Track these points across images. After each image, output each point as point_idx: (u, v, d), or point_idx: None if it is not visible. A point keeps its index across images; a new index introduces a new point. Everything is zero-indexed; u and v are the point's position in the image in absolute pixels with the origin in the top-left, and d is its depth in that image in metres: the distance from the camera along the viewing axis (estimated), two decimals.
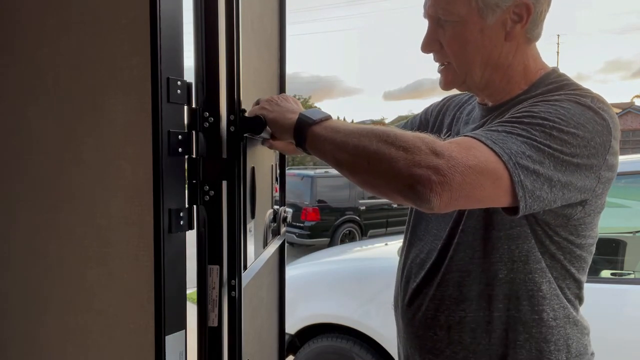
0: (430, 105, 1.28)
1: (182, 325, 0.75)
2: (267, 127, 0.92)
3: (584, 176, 0.82)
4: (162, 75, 0.71)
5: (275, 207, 1.35)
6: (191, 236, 0.80)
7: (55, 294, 0.77)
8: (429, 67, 1.04)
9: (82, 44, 0.73)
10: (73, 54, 0.74)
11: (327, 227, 8.92)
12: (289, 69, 1.46)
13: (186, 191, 0.80)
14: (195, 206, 0.82)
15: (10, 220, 0.78)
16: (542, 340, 0.93)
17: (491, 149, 0.76)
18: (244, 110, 0.89)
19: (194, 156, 0.81)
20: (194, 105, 0.81)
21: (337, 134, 0.81)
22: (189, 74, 0.78)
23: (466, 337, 0.97)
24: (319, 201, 8.93)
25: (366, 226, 9.37)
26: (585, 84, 0.92)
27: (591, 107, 0.83)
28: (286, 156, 1.54)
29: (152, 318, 0.72)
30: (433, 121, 1.23)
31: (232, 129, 0.85)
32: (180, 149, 0.75)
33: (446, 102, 1.22)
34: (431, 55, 1.01)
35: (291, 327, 2.71)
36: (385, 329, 2.43)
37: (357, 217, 9.28)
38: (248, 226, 0.97)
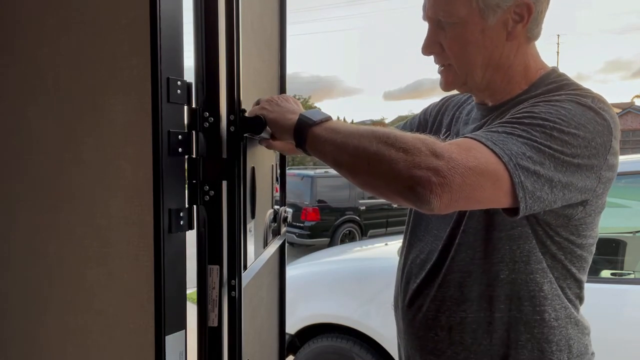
0: (429, 106, 1.28)
1: (182, 325, 0.75)
2: (267, 127, 0.92)
3: (585, 176, 0.82)
4: (162, 75, 0.71)
5: (276, 207, 1.35)
6: (191, 236, 0.80)
7: (55, 294, 0.77)
8: (429, 67, 1.04)
9: (82, 44, 0.73)
10: (73, 54, 0.74)
11: (327, 227, 8.92)
12: (289, 69, 1.46)
13: (186, 191, 0.80)
14: (195, 206, 0.82)
15: (10, 220, 0.78)
16: (544, 341, 0.93)
17: (491, 150, 0.76)
18: (244, 110, 0.89)
19: (194, 156, 0.81)
20: (194, 105, 0.81)
21: (337, 135, 0.81)
22: (189, 74, 0.79)
23: (467, 337, 0.97)
24: (319, 201, 8.93)
25: (366, 226, 9.37)
26: (585, 84, 0.92)
27: (592, 107, 0.83)
28: (286, 156, 1.54)
29: (152, 318, 0.72)
30: (432, 121, 1.22)
31: (232, 129, 0.85)
32: (180, 149, 0.75)
33: (445, 102, 1.22)
34: (431, 55, 1.01)
35: (291, 327, 2.71)
36: (385, 329, 2.43)
37: (357, 217, 9.28)
38: (248, 226, 0.97)
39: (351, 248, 4.20)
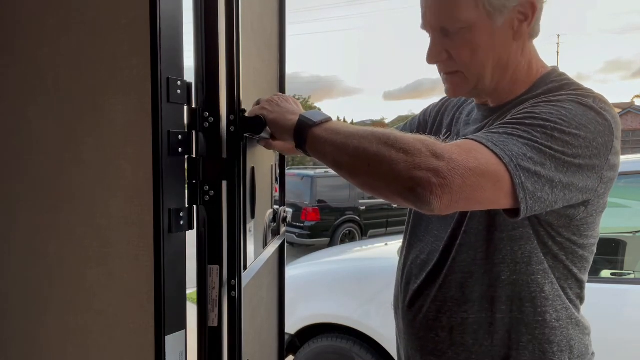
0: (429, 106, 1.28)
1: (182, 325, 0.75)
2: (267, 128, 0.92)
3: (586, 177, 0.82)
4: (162, 75, 0.71)
5: (275, 207, 1.35)
6: (191, 236, 0.80)
7: (55, 294, 0.77)
8: (429, 67, 1.03)
9: (82, 44, 0.73)
10: (73, 54, 0.74)
11: (327, 227, 8.92)
12: (289, 69, 1.46)
13: (186, 191, 0.80)
14: (195, 206, 0.82)
15: (10, 220, 0.78)
16: (545, 342, 0.93)
17: (492, 151, 0.76)
18: (244, 110, 0.89)
19: (194, 156, 0.81)
20: (194, 105, 0.81)
21: (338, 135, 0.81)
22: (189, 74, 0.78)
23: (468, 338, 0.97)
24: (319, 201, 8.93)
25: (366, 226, 9.37)
26: (585, 84, 0.92)
27: (593, 107, 0.83)
28: (286, 156, 1.54)
29: (152, 318, 0.72)
30: (432, 122, 1.22)
31: (232, 129, 0.85)
32: (180, 149, 0.75)
33: (445, 102, 1.22)
34: (437, 64, 0.99)
35: (291, 327, 2.71)
36: (385, 329, 2.43)
37: (357, 217, 9.28)
38: (248, 226, 0.97)
39: (351, 248, 4.20)
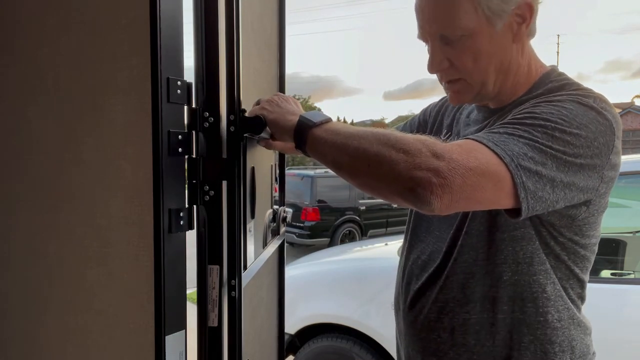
0: (429, 106, 1.28)
1: (182, 325, 0.75)
2: (267, 128, 0.92)
3: (587, 176, 0.82)
4: (162, 75, 0.71)
5: (275, 207, 1.35)
6: (191, 236, 0.80)
7: (55, 294, 0.77)
8: None
9: (82, 44, 0.73)
10: (73, 54, 0.74)
11: (327, 227, 8.92)
12: (289, 69, 1.47)
13: (186, 191, 0.80)
14: (195, 206, 0.82)
15: (10, 220, 0.78)
16: (547, 342, 0.93)
17: (493, 150, 0.76)
18: (244, 110, 0.88)
19: (194, 156, 0.81)
20: (194, 105, 0.81)
21: (337, 136, 0.81)
22: (189, 74, 0.78)
23: (470, 339, 0.96)
24: (319, 201, 8.93)
25: (366, 226, 9.37)
26: (585, 84, 0.92)
27: (594, 107, 0.83)
28: (286, 156, 1.54)
29: (152, 318, 0.72)
30: (432, 122, 1.22)
31: (232, 129, 0.85)
32: (180, 149, 0.75)
33: (445, 102, 1.21)
34: (438, 73, 0.98)
35: (291, 327, 2.71)
36: (385, 329, 2.43)
37: (357, 217, 9.28)
38: (248, 226, 0.97)
39: (351, 248, 4.20)
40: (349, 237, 9.21)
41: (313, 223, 8.78)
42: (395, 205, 9.22)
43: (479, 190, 0.75)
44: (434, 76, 1.01)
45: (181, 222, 0.75)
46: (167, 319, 0.72)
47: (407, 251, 1.12)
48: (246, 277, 0.94)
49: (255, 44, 1.09)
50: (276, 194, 1.46)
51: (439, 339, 1.00)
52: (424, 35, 0.96)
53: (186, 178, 0.80)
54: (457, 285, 0.97)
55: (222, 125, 0.84)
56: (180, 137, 0.75)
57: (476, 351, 0.96)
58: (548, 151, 0.78)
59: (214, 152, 0.83)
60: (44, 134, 0.76)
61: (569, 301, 0.95)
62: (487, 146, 0.77)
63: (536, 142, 0.78)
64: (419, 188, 0.71)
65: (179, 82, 0.74)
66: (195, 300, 0.85)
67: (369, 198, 9.11)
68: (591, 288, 0.99)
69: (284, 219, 1.35)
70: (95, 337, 0.75)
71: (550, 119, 0.80)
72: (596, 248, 0.96)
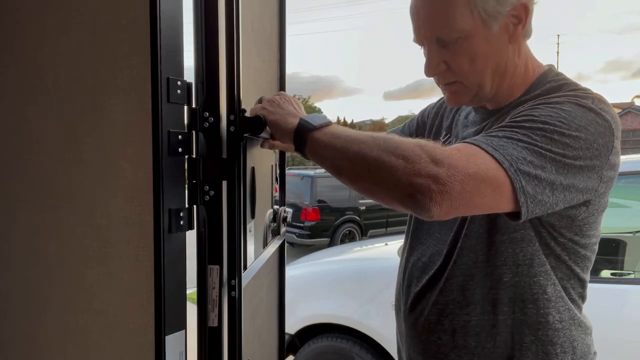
0: (427, 107, 1.28)
1: (182, 325, 0.75)
2: (267, 127, 0.92)
3: (586, 177, 0.82)
4: (162, 75, 0.71)
5: (275, 207, 1.35)
6: (191, 236, 0.80)
7: (55, 294, 0.77)
8: None
9: (82, 44, 0.73)
10: (73, 54, 0.74)
11: (327, 227, 8.92)
12: (289, 69, 1.46)
13: (186, 191, 0.80)
14: (195, 206, 0.82)
15: (10, 220, 0.78)
16: (548, 343, 0.93)
17: (492, 155, 0.76)
18: (244, 110, 0.88)
19: (194, 156, 0.81)
20: (194, 105, 0.81)
21: (337, 140, 0.81)
22: (189, 74, 0.78)
23: (471, 341, 0.96)
24: (319, 201, 8.93)
25: (366, 226, 9.37)
26: (585, 84, 0.92)
27: (592, 108, 0.83)
28: (286, 156, 1.54)
29: (152, 318, 0.72)
30: (430, 123, 1.22)
31: (232, 129, 0.85)
32: (180, 149, 0.75)
33: (443, 103, 1.21)
34: (436, 76, 0.98)
35: (291, 327, 2.71)
36: (385, 329, 2.43)
37: (357, 217, 9.28)
38: (248, 226, 0.97)
39: (351, 248, 4.19)
40: (349, 237, 9.21)
41: (313, 223, 8.78)
42: None
43: (478, 196, 0.75)
44: None
45: (181, 222, 0.75)
46: (167, 319, 0.72)
47: (408, 253, 1.12)
48: (246, 277, 0.94)
49: (255, 44, 1.09)
50: (276, 194, 1.46)
51: (440, 341, 1.00)
52: (419, 38, 0.96)
53: (186, 178, 0.80)
54: (457, 287, 0.97)
55: (222, 125, 0.84)
56: (180, 137, 0.75)
57: (477, 353, 0.96)
58: (547, 154, 0.78)
59: (214, 152, 0.83)
60: (44, 134, 0.76)
61: (569, 302, 0.95)
62: (485, 151, 0.76)
63: (535, 146, 0.78)
64: (418, 195, 0.71)
65: (179, 82, 0.74)
66: (195, 300, 0.85)
67: None
68: (591, 288, 0.99)
69: (285, 219, 1.35)
70: (95, 337, 0.75)
71: (549, 122, 0.80)
72: (596, 247, 0.96)
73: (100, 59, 0.73)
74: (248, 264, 0.98)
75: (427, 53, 0.95)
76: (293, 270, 2.99)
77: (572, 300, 0.95)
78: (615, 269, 2.41)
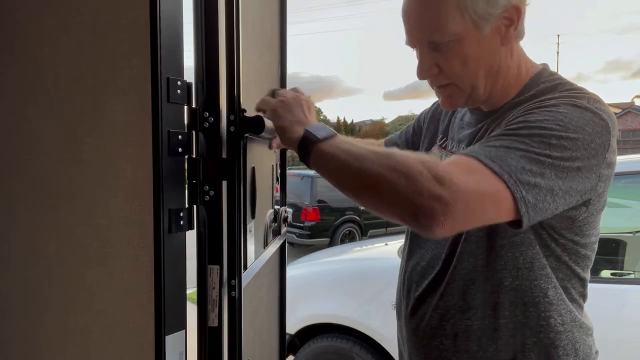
0: (422, 112, 1.29)
1: (182, 325, 0.75)
2: (268, 127, 0.92)
3: (585, 177, 0.82)
4: (162, 75, 0.71)
5: (276, 207, 1.35)
6: (191, 236, 0.80)
7: (55, 294, 0.77)
8: None
9: (82, 44, 0.73)
10: (73, 54, 0.74)
11: (327, 227, 8.92)
12: (289, 69, 1.46)
13: (186, 191, 0.80)
14: (195, 206, 0.82)
15: (10, 220, 0.78)
16: (551, 346, 0.93)
17: (490, 168, 0.76)
18: (244, 110, 0.88)
19: (194, 156, 0.81)
20: (194, 105, 0.81)
21: (342, 153, 0.81)
22: (189, 74, 0.78)
23: (473, 345, 0.96)
24: (319, 201, 8.93)
25: (366, 226, 9.36)
26: (585, 84, 0.92)
27: (589, 108, 0.83)
28: (286, 156, 1.54)
29: (152, 318, 0.72)
30: (426, 127, 1.22)
31: (232, 129, 0.85)
32: (180, 149, 0.75)
33: (437, 106, 1.21)
34: (428, 79, 0.98)
35: (291, 327, 2.71)
36: (385, 329, 2.43)
37: (357, 217, 9.28)
38: (248, 226, 0.97)
39: (351, 248, 4.20)
40: (349, 237, 9.21)
41: (313, 223, 8.78)
42: None
43: (480, 212, 0.76)
44: None
45: (181, 222, 0.75)
46: (167, 319, 0.72)
47: (407, 257, 1.11)
48: (246, 277, 0.94)
49: (255, 44, 1.09)
50: (277, 194, 1.46)
51: (442, 345, 0.99)
52: (411, 41, 0.96)
53: (186, 178, 0.80)
54: (458, 292, 0.97)
55: (222, 125, 0.84)
56: (180, 137, 0.75)
57: (479, 357, 0.96)
58: (546, 160, 0.78)
59: (214, 152, 0.83)
60: (44, 134, 0.76)
61: (570, 304, 0.94)
62: (484, 163, 0.77)
63: (533, 153, 0.78)
64: (421, 215, 0.72)
65: (179, 82, 0.74)
66: (195, 300, 0.85)
67: None
68: (591, 288, 0.99)
69: (285, 219, 1.35)
70: (95, 337, 0.75)
71: (545, 127, 0.80)
72: (596, 246, 0.96)
73: (100, 59, 0.73)
74: (248, 264, 0.98)
75: (419, 56, 0.95)
76: (293, 270, 2.98)
77: (573, 300, 0.95)
78: (615, 269, 2.41)
